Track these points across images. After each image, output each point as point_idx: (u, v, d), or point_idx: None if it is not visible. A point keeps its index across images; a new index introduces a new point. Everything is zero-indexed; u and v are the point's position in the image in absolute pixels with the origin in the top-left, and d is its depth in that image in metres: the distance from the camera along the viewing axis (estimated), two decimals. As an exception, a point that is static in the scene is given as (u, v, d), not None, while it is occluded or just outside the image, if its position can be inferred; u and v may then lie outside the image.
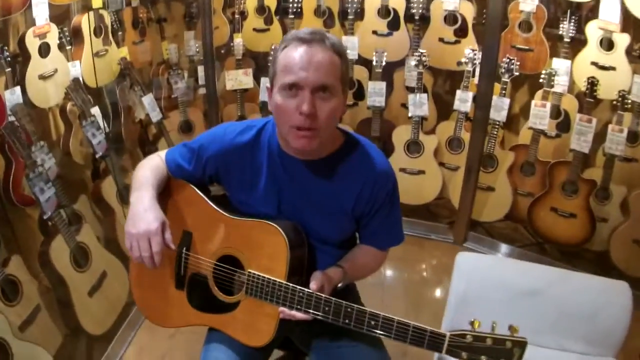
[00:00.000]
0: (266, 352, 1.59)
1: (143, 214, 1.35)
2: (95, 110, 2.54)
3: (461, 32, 3.17)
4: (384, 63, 3.23)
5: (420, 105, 3.17)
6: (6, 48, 2.02)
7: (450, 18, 3.17)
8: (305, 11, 3.38)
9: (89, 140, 2.45)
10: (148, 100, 2.99)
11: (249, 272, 1.38)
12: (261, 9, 3.43)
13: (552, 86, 2.95)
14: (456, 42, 3.18)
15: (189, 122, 3.41)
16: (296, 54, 1.26)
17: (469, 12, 3.12)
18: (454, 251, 3.22)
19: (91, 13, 2.61)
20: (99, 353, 2.33)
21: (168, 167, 1.54)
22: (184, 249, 1.48)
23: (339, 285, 1.45)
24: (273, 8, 3.43)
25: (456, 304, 1.98)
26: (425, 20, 3.22)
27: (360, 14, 3.30)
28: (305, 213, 1.44)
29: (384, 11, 3.25)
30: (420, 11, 3.17)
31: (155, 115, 3.05)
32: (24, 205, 2.15)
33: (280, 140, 1.41)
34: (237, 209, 1.51)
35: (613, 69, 2.82)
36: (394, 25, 3.26)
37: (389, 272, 3.10)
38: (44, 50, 2.24)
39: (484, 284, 2.00)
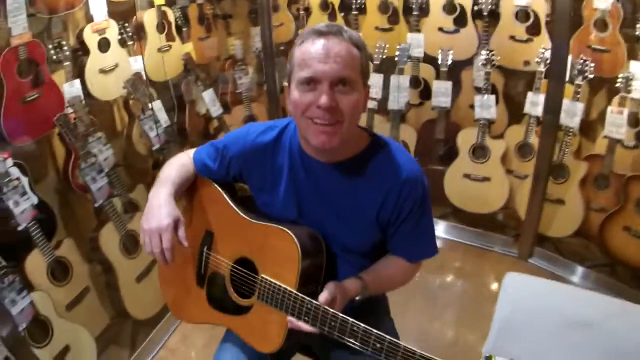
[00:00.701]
0: (284, 357, 1.61)
1: (157, 210, 1.39)
2: (156, 104, 2.71)
3: (534, 30, 3.05)
4: (449, 62, 3.17)
5: (487, 107, 3.09)
6: (64, 43, 2.20)
7: (522, 14, 3.05)
8: (369, 7, 3.40)
9: (146, 133, 2.63)
10: (208, 95, 3.14)
11: (262, 277, 1.39)
12: (325, 5, 3.49)
13: (630, 92, 2.75)
14: (528, 40, 3.06)
15: (252, 117, 3.52)
16: (313, 47, 1.24)
17: (541, 9, 3.00)
18: (517, 266, 3.16)
19: (153, 10, 2.80)
20: (143, 337, 2.49)
21: (195, 165, 1.58)
22: (206, 247, 1.54)
23: (357, 298, 1.41)
24: (337, 4, 3.48)
25: (499, 328, 1.89)
26: (494, 16, 3.13)
27: (425, 10, 3.27)
28: (326, 218, 1.42)
29: (449, 7, 3.19)
30: (489, 7, 3.07)
31: (215, 110, 3.20)
32: (82, 192, 2.35)
33: (301, 140, 1.40)
34: (260, 212, 1.52)
35: None
36: (460, 22, 3.20)
37: (442, 282, 3.02)
38: (104, 46, 2.43)
39: (531, 310, 1.89)
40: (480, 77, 3.13)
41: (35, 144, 2.21)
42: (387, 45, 3.24)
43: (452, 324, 2.72)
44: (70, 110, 2.19)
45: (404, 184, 1.36)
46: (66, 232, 2.31)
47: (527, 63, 3.03)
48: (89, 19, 2.37)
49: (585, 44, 2.91)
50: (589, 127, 3.15)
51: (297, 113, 1.29)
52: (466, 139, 3.22)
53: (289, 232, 1.35)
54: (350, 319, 1.24)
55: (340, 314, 1.26)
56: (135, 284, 2.44)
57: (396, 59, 3.19)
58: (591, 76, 2.80)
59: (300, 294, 1.30)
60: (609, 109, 2.83)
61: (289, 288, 1.32)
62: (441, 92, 3.22)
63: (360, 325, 1.23)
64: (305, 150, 1.40)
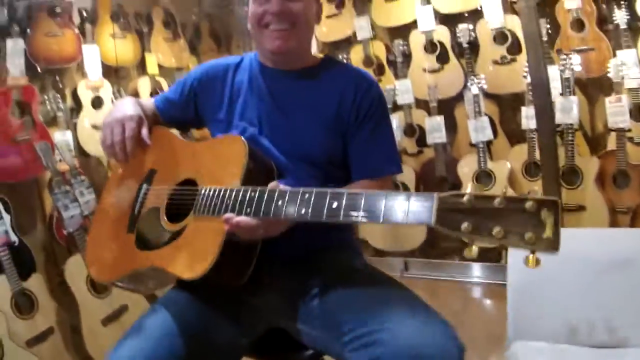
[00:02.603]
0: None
1: (121, 107, 1.50)
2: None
3: (515, 49, 3.20)
4: (438, 97, 3.31)
5: (482, 129, 3.14)
6: (58, 95, 2.49)
7: (500, 36, 3.23)
8: (353, 62, 3.61)
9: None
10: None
11: (200, 188, 1.31)
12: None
13: (622, 77, 2.83)
14: (512, 60, 3.20)
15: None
16: None
17: (517, 26, 3.15)
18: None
19: (146, 78, 3.13)
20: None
21: (155, 105, 1.66)
22: (145, 185, 1.51)
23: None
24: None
25: (517, 287, 1.80)
26: (474, 46, 3.31)
27: (408, 56, 3.49)
28: (286, 124, 1.47)
29: (430, 46, 3.40)
30: (467, 38, 3.27)
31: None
32: (65, 244, 2.48)
33: (260, 54, 1.53)
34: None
35: None
36: (443, 59, 3.38)
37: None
38: (97, 103, 2.73)
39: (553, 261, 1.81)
40: (471, 103, 3.23)
41: (24, 185, 2.40)
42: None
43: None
44: (58, 154, 2.39)
45: (359, 83, 1.46)
46: (39, 269, 2.36)
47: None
48: (84, 75, 2.70)
49: (568, 48, 3.03)
50: (597, 134, 3.15)
51: (254, 24, 1.44)
52: (466, 167, 3.24)
53: (234, 134, 1.40)
54: (301, 188, 1.12)
55: (290, 188, 1.15)
56: (101, 327, 2.38)
57: (384, 103, 3.36)
58: (579, 68, 2.89)
59: (243, 187, 1.22)
60: (607, 100, 2.86)
61: (230, 187, 1.25)
62: (434, 127, 3.31)
63: (311, 189, 1.10)
64: (264, 62, 1.52)
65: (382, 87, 3.43)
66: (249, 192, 1.18)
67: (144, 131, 1.47)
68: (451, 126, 3.41)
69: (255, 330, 1.38)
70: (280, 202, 1.12)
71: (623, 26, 2.88)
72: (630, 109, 2.85)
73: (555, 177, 2.81)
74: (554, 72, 2.93)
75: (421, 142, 3.52)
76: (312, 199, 1.08)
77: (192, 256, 1.25)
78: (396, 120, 3.43)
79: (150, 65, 3.51)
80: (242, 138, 1.32)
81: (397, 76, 3.51)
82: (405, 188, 3.39)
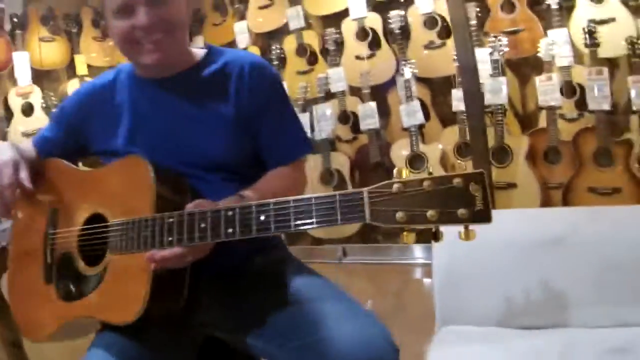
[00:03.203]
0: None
1: None
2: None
3: (445, 34, 3.07)
4: (370, 83, 3.16)
5: (413, 113, 2.98)
6: None
7: (430, 21, 3.10)
8: (287, 53, 3.47)
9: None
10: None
11: (112, 223, 1.13)
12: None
13: (552, 56, 2.73)
14: (442, 44, 3.07)
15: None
16: None
17: (446, 11, 3.02)
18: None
19: (76, 80, 2.92)
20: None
21: (34, 146, 1.41)
22: (50, 228, 1.28)
23: None
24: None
25: (444, 271, 1.65)
26: (406, 32, 3.17)
27: (341, 44, 3.32)
28: (182, 137, 1.26)
29: (361, 33, 3.25)
30: (399, 24, 3.12)
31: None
32: None
33: (136, 68, 1.31)
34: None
35: (613, 20, 2.62)
36: (375, 45, 3.24)
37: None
38: (28, 110, 2.47)
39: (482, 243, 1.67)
40: (403, 88, 3.06)
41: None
42: (309, 85, 3.26)
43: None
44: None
45: (251, 69, 1.28)
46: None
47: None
48: (15, 83, 2.48)
49: (498, 30, 2.90)
50: (531, 115, 3.02)
51: (123, 43, 1.22)
52: (399, 152, 3.09)
53: (135, 155, 1.16)
54: (223, 206, 1.01)
55: (210, 209, 1.01)
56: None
57: (317, 90, 3.19)
58: (506, 49, 2.76)
59: (158, 214, 1.07)
60: (537, 79, 2.76)
61: (145, 216, 1.08)
62: (367, 114, 3.14)
63: (234, 205, 0.99)
64: (141, 75, 1.30)
65: (315, 76, 3.32)
66: (165, 220, 1.04)
67: (22, 174, 1.20)
68: (384, 111, 3.27)
69: (197, 344, 1.26)
70: (202, 225, 1.00)
71: (554, 6, 2.78)
72: (561, 86, 2.75)
73: (485, 156, 2.67)
74: (483, 55, 2.81)
75: (355, 128, 3.34)
76: (237, 216, 0.97)
77: (121, 300, 1.10)
78: (330, 108, 3.23)
79: (79, 66, 3.32)
80: (144, 158, 1.13)
81: (330, 65, 3.32)
82: (340, 175, 3.22)
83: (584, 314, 1.56)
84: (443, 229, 0.87)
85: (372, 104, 3.14)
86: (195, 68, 1.30)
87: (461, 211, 0.81)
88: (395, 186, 0.85)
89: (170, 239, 1.02)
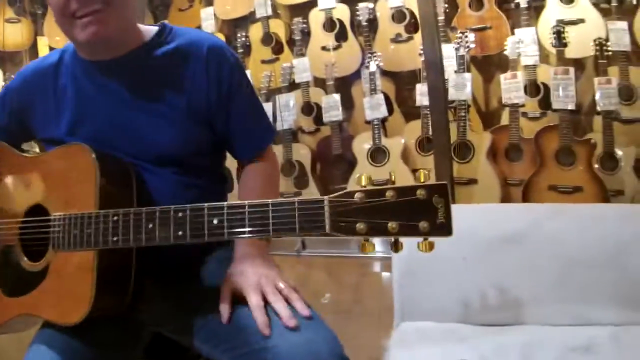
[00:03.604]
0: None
1: None
2: None
3: (413, 28, 2.95)
4: (335, 75, 3.02)
5: (377, 106, 2.85)
6: None
7: (399, 15, 2.98)
8: (253, 42, 3.31)
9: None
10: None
11: (53, 217, 1.02)
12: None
13: (518, 54, 2.65)
14: (409, 38, 2.95)
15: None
16: None
17: (415, 5, 2.90)
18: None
19: None
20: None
21: None
22: None
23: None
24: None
25: (403, 266, 1.56)
26: (373, 24, 3.04)
27: (307, 34, 3.18)
28: (129, 127, 1.12)
29: (329, 24, 3.11)
30: (367, 16, 2.99)
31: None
32: None
33: (77, 49, 1.15)
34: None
35: (582, 21, 2.54)
36: (342, 37, 3.10)
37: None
38: None
39: (442, 239, 1.57)
40: (368, 81, 2.93)
41: None
42: (273, 75, 3.11)
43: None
44: None
45: (209, 52, 1.13)
46: None
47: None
48: None
49: (466, 26, 2.80)
50: (495, 113, 2.92)
51: (58, 16, 1.07)
52: (361, 144, 2.95)
53: (77, 142, 1.04)
54: (173, 206, 0.91)
55: (159, 207, 0.92)
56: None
57: (280, 80, 3.04)
58: (472, 46, 2.65)
59: (103, 211, 0.97)
60: (502, 77, 2.67)
61: (88, 212, 0.98)
62: (331, 106, 3.00)
63: (185, 206, 0.90)
64: (84, 56, 1.13)
65: (280, 65, 3.16)
66: (110, 217, 0.95)
67: None
68: (349, 104, 3.13)
69: (144, 341, 1.17)
70: (150, 226, 0.92)
71: (524, 5, 2.70)
72: (525, 85, 2.67)
73: (446, 152, 2.55)
74: (449, 50, 2.72)
75: (318, 120, 3.19)
76: (188, 217, 0.89)
77: (65, 300, 1.01)
78: (293, 99, 3.09)
79: (42, 49, 3.19)
80: (88, 147, 1.02)
81: (295, 55, 3.17)
82: (301, 166, 3.07)
83: (545, 311, 1.48)
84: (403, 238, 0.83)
85: (336, 96, 3.00)
86: (145, 48, 1.13)
87: (423, 224, 0.79)
88: (358, 195, 0.80)
89: (115, 238, 0.94)
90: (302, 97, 3.15)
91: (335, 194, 0.82)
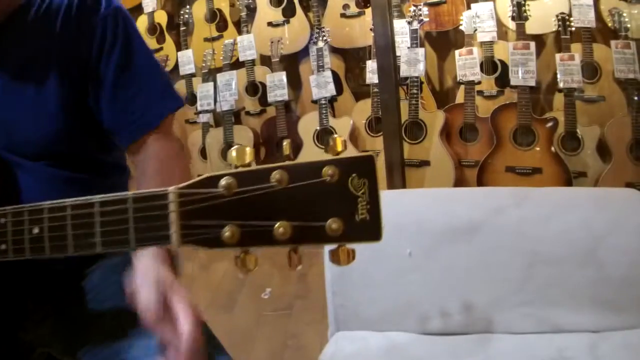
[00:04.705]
0: None
1: None
2: None
3: (364, 3, 2.55)
4: (280, 52, 2.60)
5: (324, 84, 2.45)
6: None
7: (349, -13, 2.58)
8: (195, 19, 2.87)
9: None
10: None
11: None
12: (152, 29, 2.93)
13: (475, 30, 2.28)
14: (360, 14, 2.56)
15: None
16: None
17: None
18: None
19: None
20: None
21: None
22: None
23: None
24: (164, 24, 2.92)
25: (337, 269, 1.20)
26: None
27: (253, 10, 2.74)
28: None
29: (275, -2, 2.71)
30: (316, -9, 2.59)
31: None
32: None
33: None
34: None
35: None
36: (289, 12, 2.68)
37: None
38: None
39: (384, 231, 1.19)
40: (315, 58, 2.53)
41: None
42: (215, 52, 2.69)
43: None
44: None
45: (79, 5, 0.85)
46: None
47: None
48: None
49: (419, 1, 2.40)
50: (448, 90, 2.55)
51: None
52: (307, 125, 2.55)
53: None
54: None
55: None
56: None
57: (221, 58, 2.61)
58: (426, 19, 2.27)
59: None
60: (457, 52, 2.29)
61: None
62: (276, 85, 2.59)
63: (4, 209, 0.60)
64: None
65: (222, 42, 2.73)
66: None
67: None
68: (296, 83, 2.73)
69: None
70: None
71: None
72: (482, 62, 2.31)
73: (396, 132, 2.15)
74: (403, 26, 2.34)
75: (264, 100, 2.77)
76: (9, 226, 0.58)
77: None
78: (234, 77, 2.65)
79: None
80: None
81: (240, 32, 2.74)
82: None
83: (508, 317, 1.14)
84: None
85: (282, 74, 2.59)
86: (20, 11, 0.85)
87: (332, 224, 0.47)
88: (224, 183, 0.48)
89: None
90: (247, 76, 2.72)
91: (189, 182, 0.49)
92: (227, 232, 0.47)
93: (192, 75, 2.81)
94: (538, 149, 2.03)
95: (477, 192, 1.49)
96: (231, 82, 2.60)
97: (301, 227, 0.47)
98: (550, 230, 1.16)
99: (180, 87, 2.84)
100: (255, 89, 2.75)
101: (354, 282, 1.20)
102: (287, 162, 0.48)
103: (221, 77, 2.60)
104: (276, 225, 0.47)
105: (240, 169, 0.48)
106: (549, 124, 2.01)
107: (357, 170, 0.47)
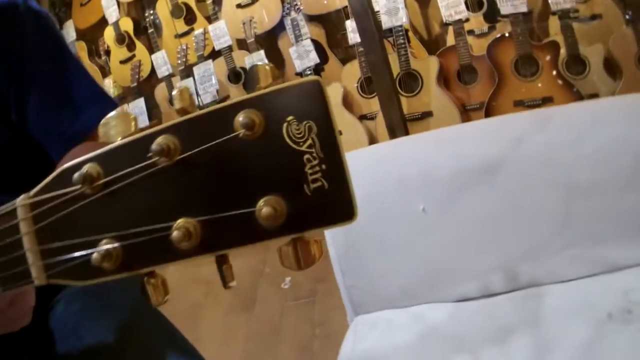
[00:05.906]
0: None
1: None
2: None
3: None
4: (255, 32, 2.38)
5: (305, 54, 2.25)
6: None
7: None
8: (162, 18, 2.66)
9: None
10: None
11: None
12: (120, 38, 2.74)
13: None
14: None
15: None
16: None
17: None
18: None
19: None
20: None
21: None
22: None
23: None
24: (131, 31, 2.73)
25: (344, 252, 1.02)
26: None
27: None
28: None
29: (243, -23, 2.47)
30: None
31: None
32: None
33: None
34: None
35: None
36: (258, -12, 2.47)
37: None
38: None
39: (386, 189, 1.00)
40: (292, 31, 2.31)
41: None
42: (189, 47, 2.49)
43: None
44: None
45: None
46: None
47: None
48: None
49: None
50: (437, 37, 2.31)
51: None
52: None
53: None
54: None
55: None
56: None
57: (194, 48, 2.41)
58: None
59: None
60: None
61: None
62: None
63: None
64: None
65: (193, 34, 2.53)
66: None
67: None
68: (278, 60, 2.49)
69: None
70: None
71: None
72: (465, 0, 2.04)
73: (390, 91, 1.94)
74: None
75: (247, 86, 2.55)
76: None
77: None
78: (211, 67, 2.45)
79: None
80: None
81: (209, 20, 2.53)
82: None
83: (553, 263, 0.93)
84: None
85: (260, 53, 2.38)
86: None
87: (265, 206, 0.29)
88: (78, 176, 0.31)
89: None
90: (226, 64, 2.51)
91: (43, 183, 0.34)
92: (101, 253, 0.30)
93: (171, 75, 2.61)
94: (544, 77, 1.81)
95: (488, 124, 1.23)
96: (209, 73, 2.40)
97: (212, 223, 0.29)
98: (584, 153, 0.95)
99: (161, 90, 2.66)
100: (237, 75, 2.53)
101: (363, 256, 1.00)
102: (176, 120, 0.30)
103: (197, 70, 2.40)
104: (174, 226, 0.29)
105: (105, 148, 0.31)
106: (551, 47, 1.79)
107: (293, 109, 0.28)
